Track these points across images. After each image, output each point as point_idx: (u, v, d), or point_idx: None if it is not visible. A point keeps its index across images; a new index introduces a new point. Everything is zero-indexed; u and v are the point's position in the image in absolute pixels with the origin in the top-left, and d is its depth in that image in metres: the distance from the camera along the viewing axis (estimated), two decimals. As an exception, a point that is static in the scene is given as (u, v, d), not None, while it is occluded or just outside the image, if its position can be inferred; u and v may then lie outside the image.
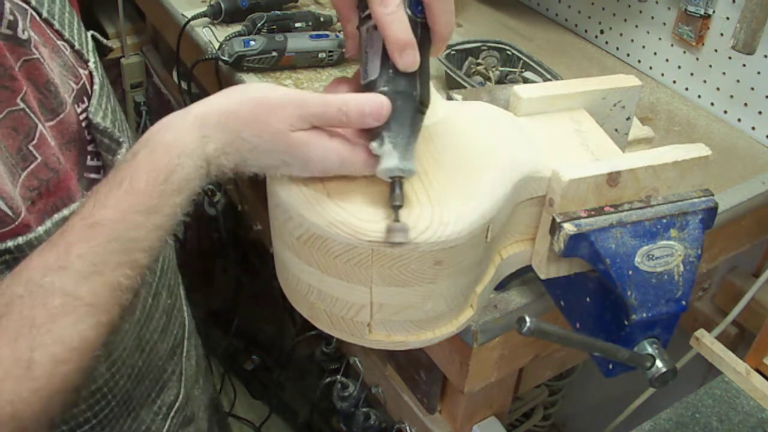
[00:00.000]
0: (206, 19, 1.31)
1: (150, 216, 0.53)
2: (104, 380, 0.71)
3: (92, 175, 0.68)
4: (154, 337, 0.79)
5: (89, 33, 0.76)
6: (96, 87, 0.70)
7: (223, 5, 1.29)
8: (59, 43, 0.68)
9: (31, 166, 0.60)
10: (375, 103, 0.55)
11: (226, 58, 1.18)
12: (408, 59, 0.54)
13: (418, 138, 0.57)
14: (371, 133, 0.56)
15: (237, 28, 1.26)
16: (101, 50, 0.78)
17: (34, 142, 0.60)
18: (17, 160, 0.59)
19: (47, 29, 0.67)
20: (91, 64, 0.71)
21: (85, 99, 0.69)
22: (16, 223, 0.58)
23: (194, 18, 1.30)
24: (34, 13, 0.65)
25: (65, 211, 0.62)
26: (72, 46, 0.70)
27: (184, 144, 0.54)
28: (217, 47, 1.22)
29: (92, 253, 0.51)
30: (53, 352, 0.50)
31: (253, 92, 0.56)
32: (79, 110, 0.67)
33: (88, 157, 0.68)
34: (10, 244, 0.58)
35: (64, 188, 0.63)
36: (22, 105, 0.59)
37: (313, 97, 0.55)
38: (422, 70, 0.56)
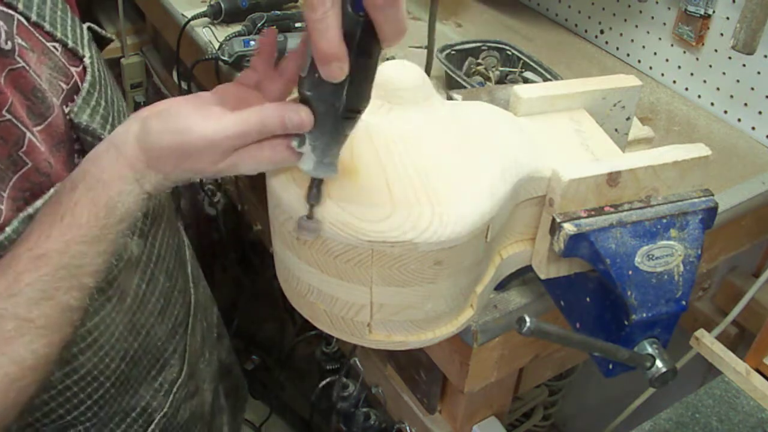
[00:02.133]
0: (206, 19, 1.31)
1: (93, 245, 0.57)
2: (93, 364, 0.72)
3: None
4: (150, 321, 0.80)
5: (86, 25, 0.77)
6: (86, 84, 0.70)
7: (223, 5, 1.29)
8: (49, 44, 0.68)
9: (22, 171, 0.61)
10: (296, 120, 0.53)
11: (226, 58, 1.18)
12: (332, 72, 0.50)
13: (343, 141, 0.56)
14: None
15: (237, 28, 1.26)
16: (100, 42, 0.79)
17: (24, 149, 0.62)
18: (7, 164, 0.60)
19: (36, 33, 0.67)
20: (86, 60, 0.72)
21: (76, 98, 0.69)
22: None
23: (194, 18, 1.30)
24: (22, 18, 0.66)
25: (30, 210, 0.63)
26: (65, 45, 0.70)
27: (121, 185, 0.57)
28: (217, 47, 1.22)
29: (41, 281, 0.55)
30: (7, 372, 0.55)
31: (169, 130, 0.56)
32: (67, 110, 0.68)
33: (75, 155, 0.69)
34: None
35: None
36: (8, 116, 0.60)
37: (229, 130, 0.54)
38: (358, 73, 0.52)
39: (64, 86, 0.68)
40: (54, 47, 0.69)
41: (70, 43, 0.71)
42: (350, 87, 0.52)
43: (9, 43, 0.62)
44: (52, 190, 0.63)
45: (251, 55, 1.17)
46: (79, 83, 0.70)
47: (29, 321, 0.55)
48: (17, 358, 0.55)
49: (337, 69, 0.49)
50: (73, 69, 0.70)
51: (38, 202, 0.63)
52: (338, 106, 0.53)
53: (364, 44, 0.51)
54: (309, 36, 0.49)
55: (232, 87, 0.62)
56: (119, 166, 0.57)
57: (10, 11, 0.65)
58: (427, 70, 0.72)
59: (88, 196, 0.56)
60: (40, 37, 0.68)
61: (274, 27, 0.60)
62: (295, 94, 0.57)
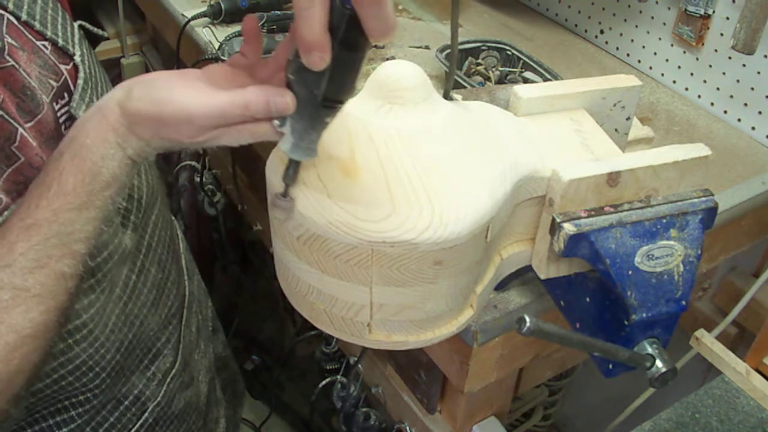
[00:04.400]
0: (206, 19, 1.31)
1: (82, 212, 0.58)
2: (88, 355, 0.73)
3: None
4: (143, 312, 0.81)
5: (77, 23, 0.77)
6: (80, 81, 0.71)
7: (223, 5, 1.29)
8: (39, 43, 0.69)
9: (15, 165, 0.63)
10: (280, 104, 0.54)
11: (225, 58, 1.18)
12: (312, 60, 0.51)
13: (322, 128, 0.56)
14: None
15: (237, 28, 1.26)
16: (93, 39, 0.80)
17: (16, 144, 0.63)
18: (1, 158, 0.62)
19: (26, 32, 0.68)
20: (77, 57, 0.73)
21: (66, 95, 0.70)
22: None
23: (194, 18, 1.30)
24: (12, 18, 0.67)
25: None
26: (55, 44, 0.71)
27: (104, 149, 0.58)
28: (217, 47, 1.22)
29: (33, 250, 0.57)
30: (7, 341, 0.56)
31: (151, 99, 0.57)
32: (57, 107, 0.69)
33: None
34: None
35: None
36: (0, 112, 0.61)
37: (211, 107, 0.55)
38: (341, 65, 0.52)
39: (54, 84, 0.69)
40: (44, 46, 0.70)
41: (60, 42, 0.72)
42: (331, 77, 0.53)
43: None
44: None
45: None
46: (70, 81, 0.71)
47: (25, 290, 0.56)
48: (16, 327, 0.56)
49: (317, 58, 0.50)
50: (63, 67, 0.71)
51: None
52: (317, 93, 0.54)
53: (349, 38, 0.51)
54: (294, 23, 0.50)
55: (221, 67, 0.62)
56: (102, 130, 0.58)
57: (0, 11, 0.66)
58: (450, 71, 0.72)
59: (73, 162, 0.58)
60: (30, 36, 0.69)
61: (254, 14, 0.61)
62: None
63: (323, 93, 0.54)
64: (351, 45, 0.52)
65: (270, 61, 0.60)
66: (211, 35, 1.28)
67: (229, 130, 0.57)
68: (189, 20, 1.30)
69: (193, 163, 1.70)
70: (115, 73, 1.87)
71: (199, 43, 1.28)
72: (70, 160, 0.58)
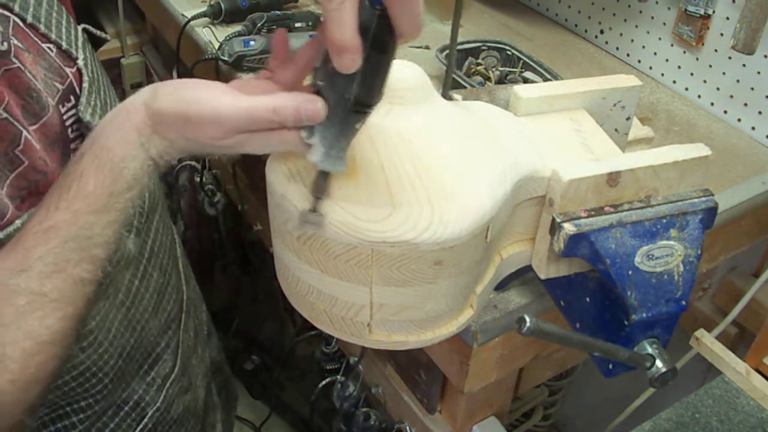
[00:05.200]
0: (206, 19, 1.31)
1: (102, 214, 0.57)
2: (92, 361, 0.73)
3: None
4: (145, 317, 0.81)
5: (81, 26, 0.77)
6: (85, 84, 0.71)
7: (223, 5, 1.29)
8: (44, 45, 0.69)
9: (19, 169, 0.62)
10: (310, 110, 0.53)
11: (226, 58, 1.18)
12: (344, 63, 0.50)
13: (352, 135, 0.55)
14: None
15: (237, 28, 1.26)
16: (96, 42, 0.80)
17: (20, 147, 0.62)
18: (4, 163, 0.61)
19: (32, 34, 0.68)
20: (80, 61, 0.72)
21: (72, 98, 0.70)
22: (2, 222, 0.60)
23: (194, 18, 1.30)
24: (18, 20, 0.67)
25: None
26: (59, 47, 0.71)
27: (126, 150, 0.57)
28: (217, 47, 1.22)
29: (52, 254, 0.55)
30: (24, 347, 0.55)
31: (179, 97, 0.56)
32: (63, 110, 0.69)
33: (72, 155, 0.69)
34: None
35: None
36: (4, 114, 0.61)
37: (240, 110, 0.54)
38: (371, 68, 0.52)
39: (59, 87, 0.69)
40: (49, 48, 0.70)
41: (64, 45, 0.71)
42: (362, 81, 0.52)
43: (5, 44, 0.63)
44: None
45: (251, 56, 1.17)
46: (75, 83, 0.71)
47: (42, 295, 0.55)
48: (32, 333, 0.55)
49: (349, 60, 0.49)
50: (67, 70, 0.71)
51: None
52: (348, 98, 0.53)
53: (379, 39, 0.51)
54: (324, 25, 0.49)
55: (248, 80, 0.61)
56: (125, 131, 0.57)
57: (6, 12, 0.66)
58: (448, 72, 0.72)
59: (95, 163, 0.56)
60: (35, 38, 0.68)
61: (284, 28, 0.60)
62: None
63: (354, 97, 0.53)
64: (380, 47, 0.51)
65: (289, 64, 0.59)
66: (211, 35, 1.28)
67: (256, 136, 0.55)
68: (189, 20, 1.30)
69: (193, 163, 1.70)
70: (115, 73, 1.87)
71: (199, 43, 1.28)
72: (92, 161, 0.57)
